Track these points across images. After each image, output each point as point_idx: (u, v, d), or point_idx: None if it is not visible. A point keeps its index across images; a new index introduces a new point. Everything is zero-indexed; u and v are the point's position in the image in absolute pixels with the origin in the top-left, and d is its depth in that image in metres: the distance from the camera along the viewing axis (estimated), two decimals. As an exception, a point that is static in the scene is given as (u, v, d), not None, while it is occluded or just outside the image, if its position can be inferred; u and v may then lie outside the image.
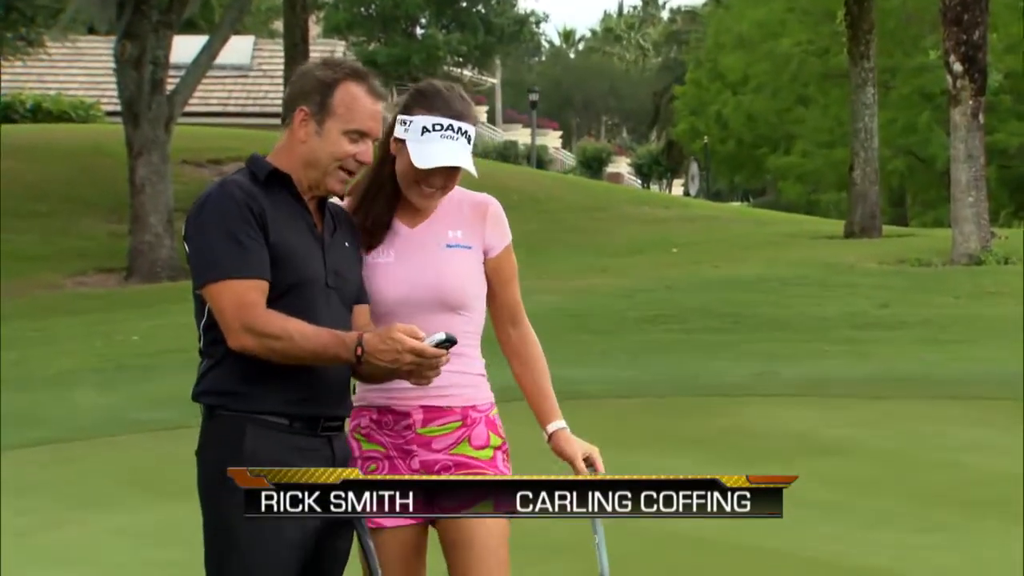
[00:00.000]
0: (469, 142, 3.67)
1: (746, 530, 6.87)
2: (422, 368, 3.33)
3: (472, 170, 3.66)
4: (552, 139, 65.69)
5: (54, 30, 26.83)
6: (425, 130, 3.64)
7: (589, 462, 3.76)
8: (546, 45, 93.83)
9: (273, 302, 3.39)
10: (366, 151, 3.53)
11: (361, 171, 3.67)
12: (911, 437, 9.26)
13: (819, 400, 10.76)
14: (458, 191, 3.77)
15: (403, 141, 3.67)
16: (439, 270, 3.68)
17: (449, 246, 3.72)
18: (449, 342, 3.32)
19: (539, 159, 51.73)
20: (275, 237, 3.42)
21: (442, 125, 3.64)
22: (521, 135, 57.77)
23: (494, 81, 62.48)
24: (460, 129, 3.65)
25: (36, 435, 10.18)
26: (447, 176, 3.68)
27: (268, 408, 3.40)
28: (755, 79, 39.10)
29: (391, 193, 3.72)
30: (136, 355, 14.06)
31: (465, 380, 3.71)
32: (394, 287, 3.66)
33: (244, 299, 3.35)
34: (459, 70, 52.52)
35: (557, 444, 3.80)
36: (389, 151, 3.72)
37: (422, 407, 3.67)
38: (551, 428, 3.81)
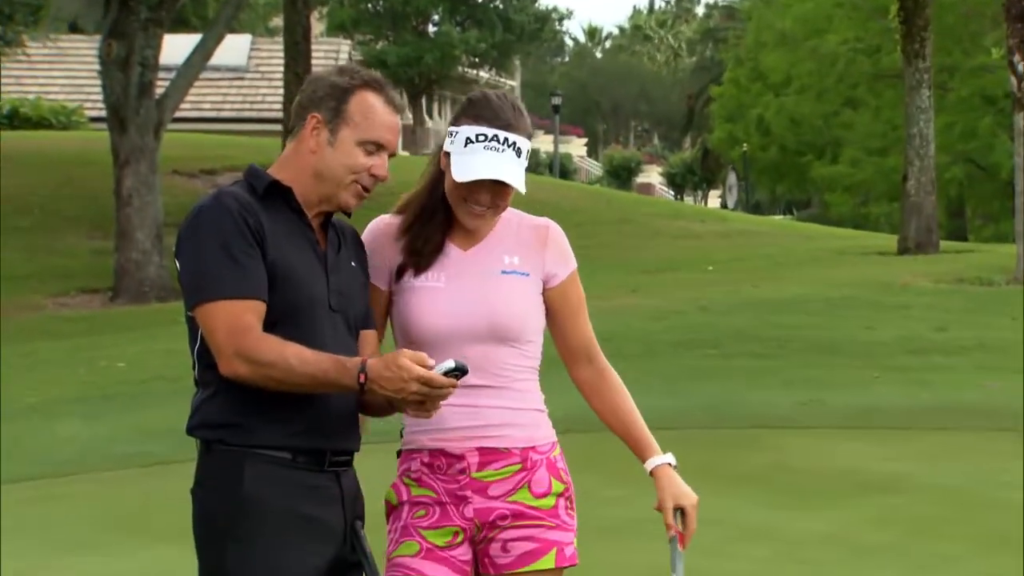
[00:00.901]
0: (519, 156, 3.63)
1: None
2: (429, 399, 3.32)
3: (519, 186, 3.61)
4: (576, 147, 65.84)
5: (34, 29, 26.95)
6: (469, 141, 3.62)
7: (683, 511, 3.71)
8: (570, 44, 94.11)
9: (271, 326, 3.38)
10: (382, 164, 3.53)
11: (416, 185, 3.67)
12: (972, 473, 9.23)
13: (870, 432, 10.74)
14: (516, 214, 3.76)
15: (450, 154, 3.66)
16: (493, 298, 3.66)
17: (505, 272, 3.69)
18: (459, 371, 3.30)
19: (562, 168, 51.83)
20: (274, 254, 3.42)
21: (486, 136, 3.61)
22: (543, 142, 57.88)
23: (513, 83, 62.62)
24: (507, 140, 3.62)
25: (17, 470, 10.21)
26: (495, 193, 3.64)
27: (269, 441, 3.40)
28: (799, 80, 39.11)
29: (447, 213, 3.70)
30: (123, 383, 14.10)
31: (524, 418, 3.69)
32: (442, 314, 3.65)
33: (238, 322, 3.34)
34: (475, 71, 52.67)
35: (656, 485, 3.74)
36: (440, 167, 3.71)
37: (478, 449, 3.64)
38: (648, 466, 3.76)
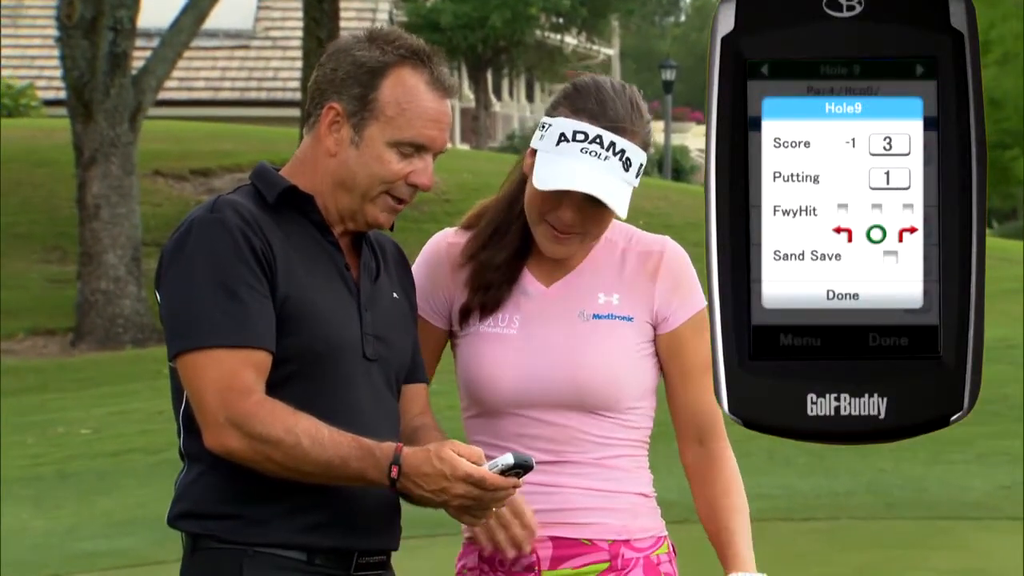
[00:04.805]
0: (627, 169, 3.58)
1: None
2: (479, 503, 3.34)
3: (618, 209, 3.55)
4: (695, 137, 65.67)
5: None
6: (563, 138, 3.59)
7: None
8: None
9: (281, 382, 3.42)
10: (423, 170, 3.52)
11: (501, 191, 3.70)
12: None
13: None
14: (624, 233, 3.74)
15: (536, 152, 3.64)
16: (578, 352, 3.65)
17: (597, 316, 3.68)
18: (521, 467, 3.33)
19: (675, 166, 51.74)
20: (288, 287, 3.44)
21: (586, 135, 3.57)
22: (650, 131, 57.83)
23: (610, 52, 62.69)
24: (614, 147, 3.57)
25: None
26: (586, 214, 3.60)
27: (277, 537, 3.42)
28: (1001, 45, 38.92)
29: (525, 233, 3.70)
30: (87, 457, 14.19)
31: (618, 502, 3.69)
32: (511, 373, 3.65)
33: (234, 380, 3.36)
34: (558, 36, 52.69)
35: None
36: (524, 170, 3.70)
37: (551, 539, 3.65)
38: None
